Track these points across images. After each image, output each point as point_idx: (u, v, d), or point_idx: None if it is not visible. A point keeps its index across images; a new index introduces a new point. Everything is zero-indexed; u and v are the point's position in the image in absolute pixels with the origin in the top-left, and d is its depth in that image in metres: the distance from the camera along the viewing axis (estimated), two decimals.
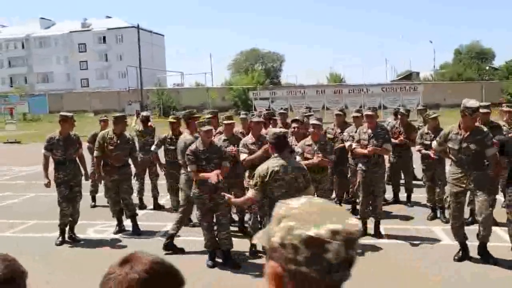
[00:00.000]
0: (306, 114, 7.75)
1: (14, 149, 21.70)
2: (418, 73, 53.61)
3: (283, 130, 4.71)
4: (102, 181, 7.02)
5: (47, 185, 6.47)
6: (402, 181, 8.46)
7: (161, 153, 7.77)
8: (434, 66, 54.97)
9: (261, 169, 4.10)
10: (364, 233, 6.41)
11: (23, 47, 71.82)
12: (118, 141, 6.76)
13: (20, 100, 38.52)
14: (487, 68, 49.27)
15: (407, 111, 8.68)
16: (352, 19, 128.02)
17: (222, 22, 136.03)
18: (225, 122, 6.57)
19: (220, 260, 5.46)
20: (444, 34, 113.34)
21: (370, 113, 6.54)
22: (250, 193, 4.20)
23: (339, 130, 7.85)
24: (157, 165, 7.91)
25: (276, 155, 4.15)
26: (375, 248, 5.94)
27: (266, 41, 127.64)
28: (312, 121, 6.18)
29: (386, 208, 7.72)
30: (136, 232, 6.86)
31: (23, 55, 71.48)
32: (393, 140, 7.98)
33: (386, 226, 6.72)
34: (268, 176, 4.01)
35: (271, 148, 4.23)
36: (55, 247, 6.34)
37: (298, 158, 6.00)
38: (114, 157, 6.73)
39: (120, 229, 6.87)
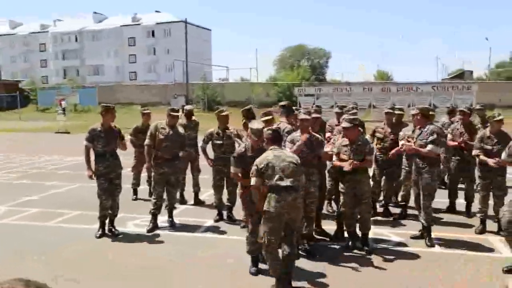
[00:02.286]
0: (351, 112, 7.29)
1: (64, 139, 22.36)
2: (471, 72, 51.28)
3: (278, 126, 5.41)
4: (152, 174, 6.93)
5: (91, 177, 6.40)
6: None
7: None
8: (489, 65, 52.47)
9: (258, 160, 4.56)
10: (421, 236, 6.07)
11: (76, 40, 74.40)
12: (170, 132, 6.68)
13: (71, 91, 39.77)
14: None
15: (469, 109, 7.92)
16: (352, 19, 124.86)
17: (222, 22, 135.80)
18: (263, 118, 6.26)
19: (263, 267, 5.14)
20: (500, 34, 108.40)
21: (413, 112, 6.49)
22: (252, 181, 4.54)
23: (389, 130, 7.38)
24: (205, 160, 7.61)
25: (272, 147, 4.66)
26: (413, 257, 5.52)
27: (266, 43, 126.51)
28: (343, 124, 5.80)
29: (445, 215, 7.33)
30: (172, 225, 6.86)
31: (76, 48, 74.11)
32: (452, 142, 7.47)
33: (441, 233, 6.30)
34: (262, 165, 4.47)
35: (268, 141, 4.75)
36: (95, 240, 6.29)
37: (335, 158, 5.83)
38: (164, 148, 6.64)
39: (154, 226, 6.70)
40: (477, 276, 4.87)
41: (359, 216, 5.85)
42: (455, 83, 30.87)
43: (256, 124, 5.17)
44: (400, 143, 6.60)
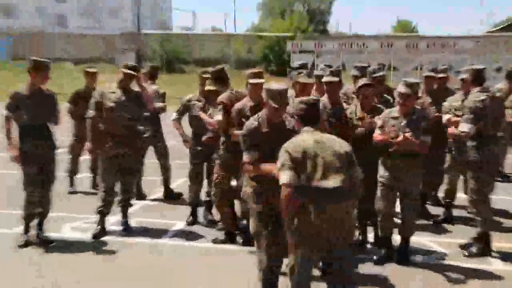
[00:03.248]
0: (377, 74, 7.10)
1: None
2: None
3: (313, 97, 4.65)
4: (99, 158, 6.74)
5: (16, 158, 6.13)
6: None
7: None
8: None
9: (289, 145, 4.00)
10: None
11: None
12: (123, 98, 6.49)
13: None
14: None
15: None
16: None
17: None
18: (252, 81, 5.83)
19: None
20: None
21: (462, 76, 6.49)
22: (282, 179, 3.89)
23: (429, 100, 7.29)
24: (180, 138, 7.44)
25: (306, 129, 4.13)
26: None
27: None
28: (400, 88, 5.70)
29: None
30: (127, 229, 6.81)
31: None
32: None
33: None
34: (297, 153, 3.90)
35: (298, 120, 4.25)
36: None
37: (377, 131, 5.75)
38: (115, 121, 6.45)
39: (102, 230, 6.62)
40: None
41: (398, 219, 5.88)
42: (504, 36, 31.03)
43: (275, 85, 4.72)
44: (445, 117, 6.57)
